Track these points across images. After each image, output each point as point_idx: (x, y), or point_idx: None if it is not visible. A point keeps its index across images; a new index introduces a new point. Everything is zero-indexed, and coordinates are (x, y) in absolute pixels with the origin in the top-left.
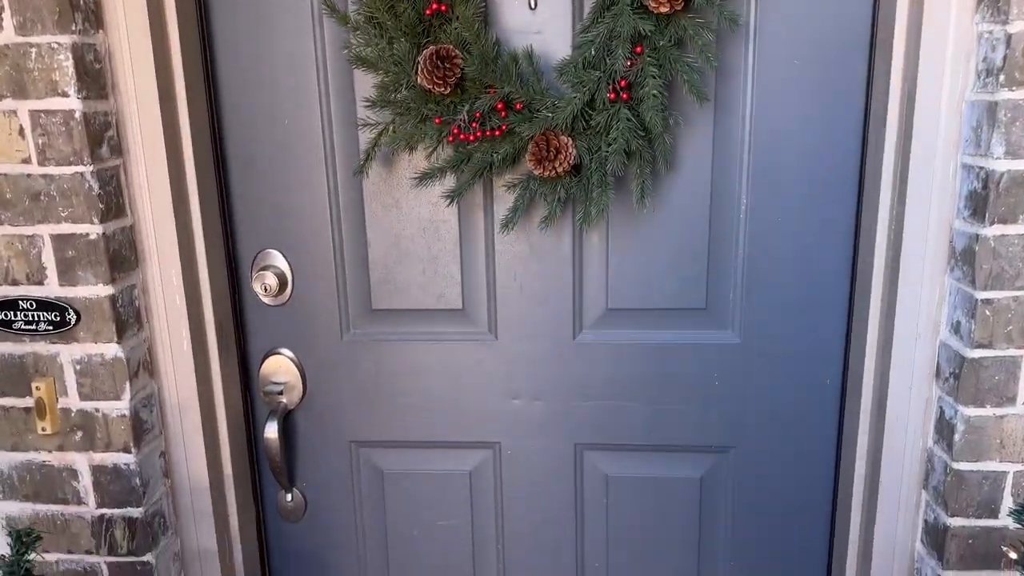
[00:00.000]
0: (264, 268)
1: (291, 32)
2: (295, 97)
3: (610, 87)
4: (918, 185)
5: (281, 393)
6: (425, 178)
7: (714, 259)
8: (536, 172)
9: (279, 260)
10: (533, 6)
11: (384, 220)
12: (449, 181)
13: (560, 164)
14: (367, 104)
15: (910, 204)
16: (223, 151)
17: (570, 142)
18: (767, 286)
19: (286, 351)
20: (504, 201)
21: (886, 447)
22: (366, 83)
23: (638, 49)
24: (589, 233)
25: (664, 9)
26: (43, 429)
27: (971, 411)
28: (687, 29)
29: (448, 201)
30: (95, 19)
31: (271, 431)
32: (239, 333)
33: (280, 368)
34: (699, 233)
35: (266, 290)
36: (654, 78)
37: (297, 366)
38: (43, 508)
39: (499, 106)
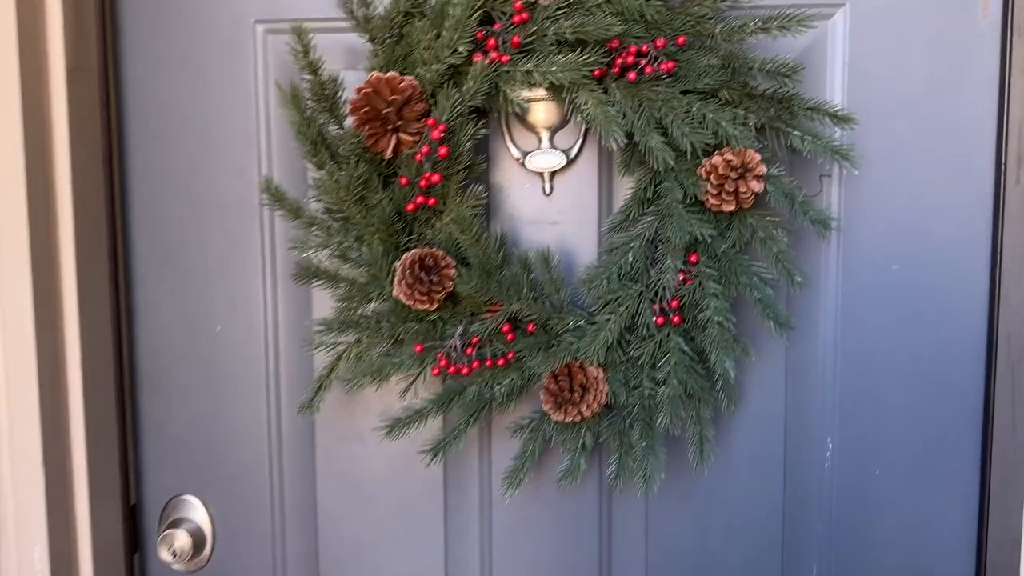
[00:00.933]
0: (175, 523)
1: (230, 217)
2: (230, 298)
3: (656, 306)
4: None
5: None
6: (397, 428)
7: (791, 524)
8: (554, 418)
9: (196, 511)
10: (548, 191)
11: (341, 458)
12: (433, 424)
13: (588, 407)
14: (321, 329)
15: None
16: (132, 365)
17: (601, 375)
18: (864, 566)
19: None
20: (506, 444)
21: None
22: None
23: (692, 258)
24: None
25: (729, 208)
26: None
27: None
28: (756, 231)
29: (430, 457)
30: None
31: None
32: None
33: None
34: (770, 489)
35: (176, 555)
36: (716, 298)
37: None
38: None
39: (504, 328)
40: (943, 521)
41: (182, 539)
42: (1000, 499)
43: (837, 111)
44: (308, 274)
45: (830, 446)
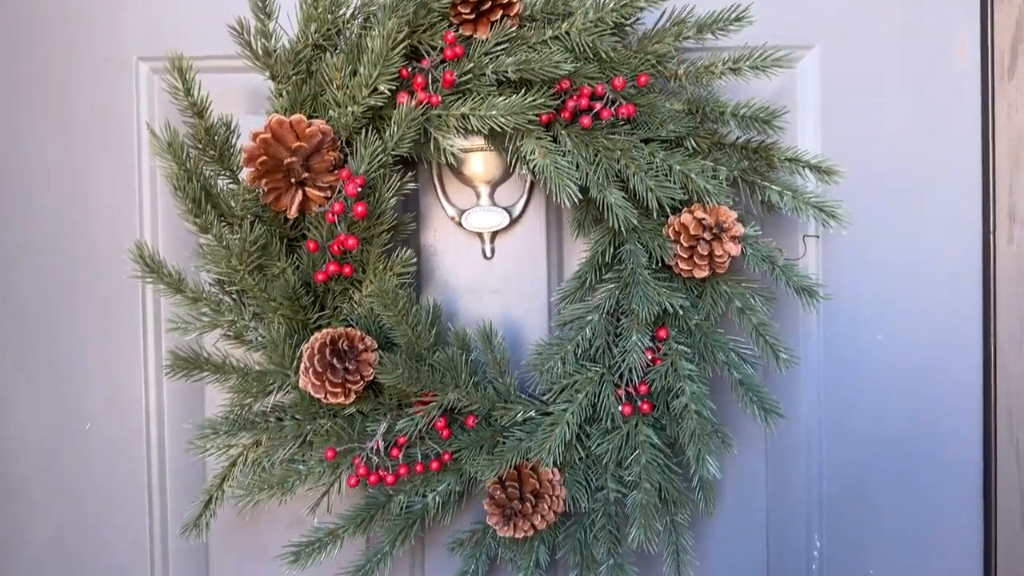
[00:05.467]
0: None
1: (106, 290)
2: (105, 389)
3: (621, 392)
4: None
5: None
6: (304, 555)
7: None
8: (502, 533)
9: None
10: (489, 255)
11: None
12: (353, 543)
13: (542, 518)
14: (207, 432)
15: None
16: None
17: (557, 478)
18: None
19: None
20: (443, 564)
21: None
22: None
23: (661, 333)
24: None
25: (702, 274)
26: None
27: None
28: (732, 300)
29: None
30: None
31: None
32: None
33: None
34: None
35: None
36: (692, 380)
37: None
38: None
39: (438, 424)
40: None
41: None
42: None
43: (820, 163)
44: (185, 366)
45: (818, 545)
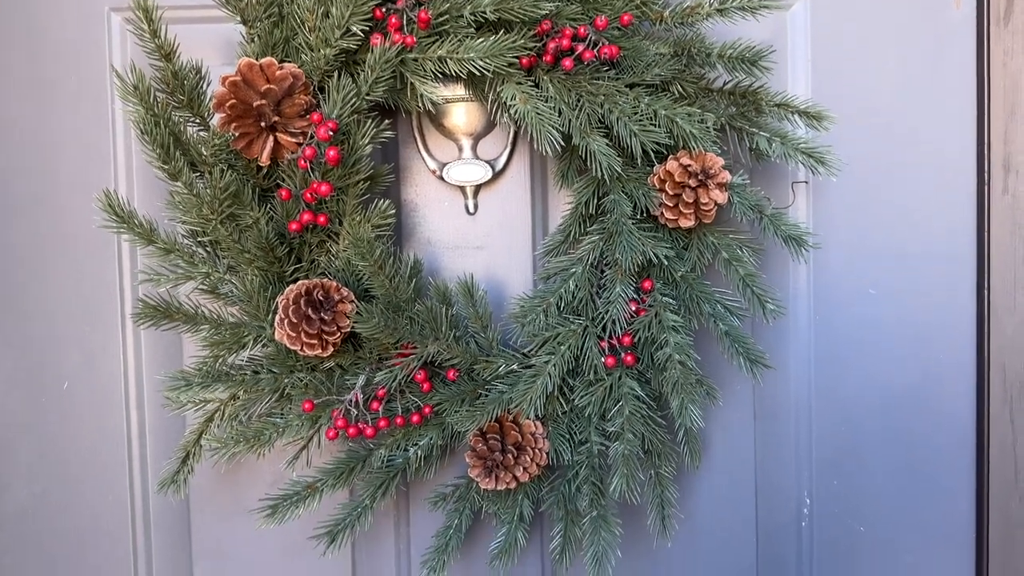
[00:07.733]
0: None
1: (80, 247)
2: (82, 348)
3: (604, 344)
4: None
5: None
6: (282, 509)
7: None
8: (484, 486)
9: None
10: (471, 210)
11: (223, 542)
12: (333, 498)
13: (524, 471)
14: (179, 384)
15: None
16: None
17: (540, 431)
18: None
19: None
20: (426, 518)
21: None
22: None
23: (646, 284)
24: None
25: (687, 223)
26: None
27: None
28: (719, 251)
29: (327, 542)
30: None
31: None
32: None
33: None
34: (741, 556)
35: None
36: (676, 331)
37: None
38: None
39: (418, 376)
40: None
41: None
42: (1001, 559)
43: (809, 108)
44: (154, 314)
45: (808, 502)
